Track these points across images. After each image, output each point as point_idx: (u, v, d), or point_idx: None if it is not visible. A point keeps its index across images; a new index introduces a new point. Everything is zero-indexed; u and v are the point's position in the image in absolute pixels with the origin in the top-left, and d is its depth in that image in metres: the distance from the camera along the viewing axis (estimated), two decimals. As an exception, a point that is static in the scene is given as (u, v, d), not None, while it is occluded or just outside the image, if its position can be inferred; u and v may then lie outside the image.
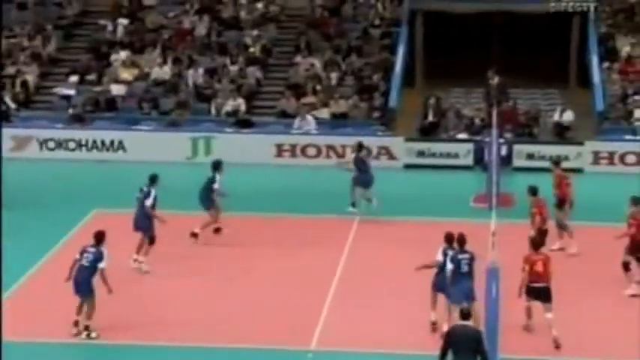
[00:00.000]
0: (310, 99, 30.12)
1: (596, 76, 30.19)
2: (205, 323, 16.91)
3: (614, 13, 33.10)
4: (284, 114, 29.76)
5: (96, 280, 16.27)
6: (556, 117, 29.55)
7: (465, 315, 13.49)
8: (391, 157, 27.82)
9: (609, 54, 31.49)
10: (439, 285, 16.33)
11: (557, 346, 15.94)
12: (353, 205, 22.45)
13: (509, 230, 18.79)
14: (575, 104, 30.38)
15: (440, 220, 20.04)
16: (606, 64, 30.96)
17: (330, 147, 27.83)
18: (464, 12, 33.53)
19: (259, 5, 34.16)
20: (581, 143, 27.93)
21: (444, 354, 13.25)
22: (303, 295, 18.15)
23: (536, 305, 16.37)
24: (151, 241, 19.24)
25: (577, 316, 17.13)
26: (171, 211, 20.13)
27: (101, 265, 16.16)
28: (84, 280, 16.13)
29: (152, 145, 27.68)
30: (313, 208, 23.43)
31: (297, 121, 28.80)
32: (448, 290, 16.04)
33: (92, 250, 16.27)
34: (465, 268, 15.96)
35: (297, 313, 17.37)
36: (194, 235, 20.72)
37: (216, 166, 20.83)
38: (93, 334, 16.25)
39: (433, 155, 27.85)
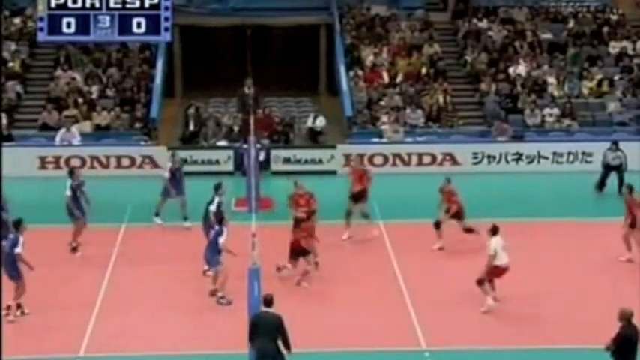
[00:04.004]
0: (72, 112, 30.57)
1: (344, 84, 31.90)
2: None
3: (358, 26, 35.04)
4: (46, 127, 30.10)
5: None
6: (309, 123, 31.20)
7: (268, 302, 14.68)
8: (155, 165, 28.56)
9: (355, 63, 33.30)
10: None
11: None
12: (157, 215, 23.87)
13: (269, 232, 20.16)
14: (326, 111, 32.06)
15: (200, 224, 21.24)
16: (352, 73, 32.74)
17: (94, 158, 28.47)
18: (218, 25, 34.69)
19: (17, 20, 34.19)
20: (333, 147, 29.49)
21: (251, 338, 14.39)
22: (68, 305, 18.66)
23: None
24: None
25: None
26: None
27: (17, 250, 17.67)
28: (7, 265, 17.59)
29: None
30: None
31: (61, 134, 29.15)
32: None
33: (10, 236, 18.03)
34: None
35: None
36: (74, 249, 21.51)
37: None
38: (26, 310, 17.78)
39: (195, 162, 28.74)
